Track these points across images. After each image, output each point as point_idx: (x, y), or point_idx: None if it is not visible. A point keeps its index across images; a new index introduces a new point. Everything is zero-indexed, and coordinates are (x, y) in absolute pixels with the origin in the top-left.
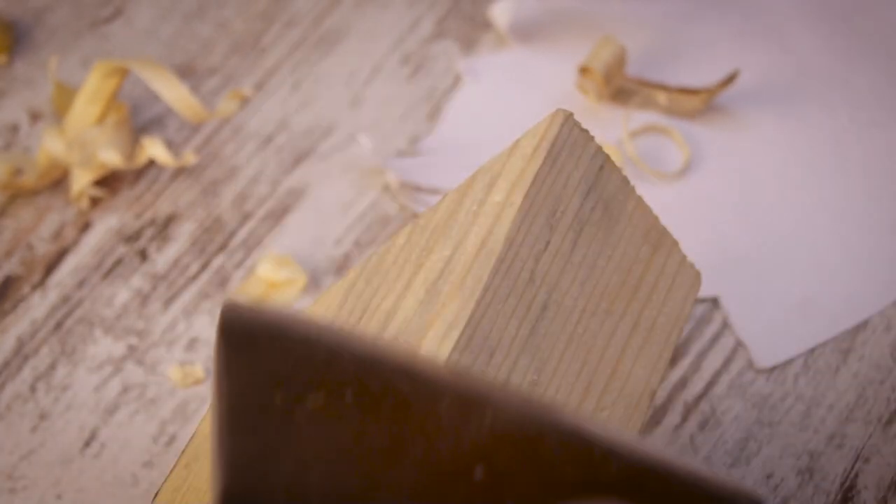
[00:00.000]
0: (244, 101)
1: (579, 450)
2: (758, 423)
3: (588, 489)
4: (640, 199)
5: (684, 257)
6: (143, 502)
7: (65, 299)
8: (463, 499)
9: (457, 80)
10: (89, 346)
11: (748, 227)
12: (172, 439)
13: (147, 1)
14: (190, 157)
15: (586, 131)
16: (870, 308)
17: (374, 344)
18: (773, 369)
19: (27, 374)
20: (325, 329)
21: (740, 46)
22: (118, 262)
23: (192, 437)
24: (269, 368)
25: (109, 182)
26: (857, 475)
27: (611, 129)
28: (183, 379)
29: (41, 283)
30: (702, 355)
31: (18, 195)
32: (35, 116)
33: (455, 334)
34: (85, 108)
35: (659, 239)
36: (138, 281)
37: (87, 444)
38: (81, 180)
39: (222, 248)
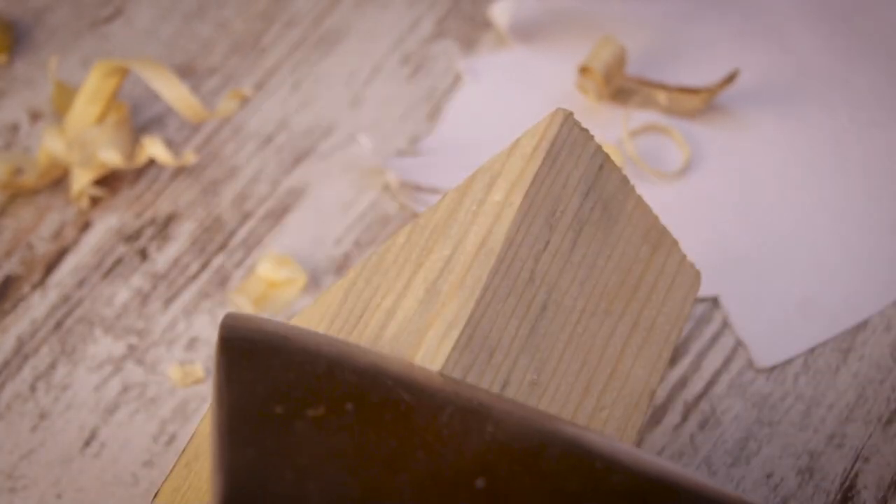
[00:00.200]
0: (244, 101)
1: (580, 461)
2: (758, 422)
3: (589, 500)
4: (639, 199)
5: (684, 257)
6: (143, 502)
7: (65, 299)
8: None
9: (457, 80)
10: (89, 345)
11: (748, 226)
12: (172, 439)
13: (147, 1)
14: (190, 157)
15: (586, 131)
16: (870, 308)
17: (375, 356)
18: (773, 369)
19: (27, 373)
20: (326, 341)
21: (740, 46)
22: (118, 262)
23: (192, 437)
24: (270, 380)
25: (109, 181)
26: (856, 475)
27: (611, 128)
28: (183, 378)
29: (41, 283)
30: (702, 355)
31: (18, 195)
32: (35, 116)
33: (455, 334)
34: (85, 107)
35: (659, 238)
36: (138, 280)
37: (87, 443)
38: (81, 180)
39: (222, 247)
